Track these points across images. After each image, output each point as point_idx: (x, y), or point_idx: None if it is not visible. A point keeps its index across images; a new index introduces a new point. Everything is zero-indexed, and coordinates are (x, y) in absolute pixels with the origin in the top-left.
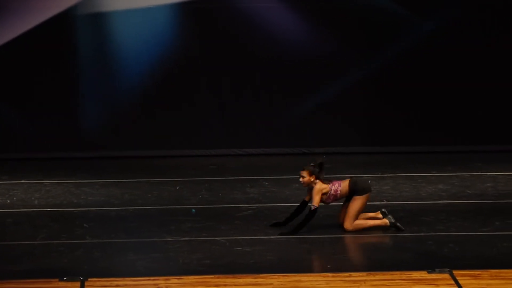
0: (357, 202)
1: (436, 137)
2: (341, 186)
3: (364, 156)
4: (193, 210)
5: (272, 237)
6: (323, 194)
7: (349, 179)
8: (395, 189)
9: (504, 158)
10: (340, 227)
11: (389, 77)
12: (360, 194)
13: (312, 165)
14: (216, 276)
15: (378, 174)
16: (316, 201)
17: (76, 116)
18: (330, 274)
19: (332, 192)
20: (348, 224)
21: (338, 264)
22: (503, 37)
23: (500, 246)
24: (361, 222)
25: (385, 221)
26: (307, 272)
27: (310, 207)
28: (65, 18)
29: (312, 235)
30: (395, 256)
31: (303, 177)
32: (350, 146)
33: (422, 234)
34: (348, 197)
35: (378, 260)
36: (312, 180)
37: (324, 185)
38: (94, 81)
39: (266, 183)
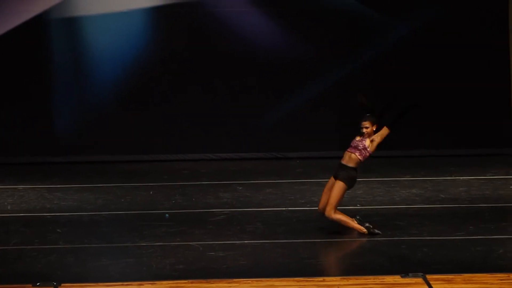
0: (338, 189)
1: (409, 142)
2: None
3: (337, 161)
4: (167, 215)
5: (245, 241)
6: (365, 149)
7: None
8: (369, 193)
9: (478, 163)
10: (319, 221)
11: (361, 81)
12: (342, 180)
13: (370, 115)
14: (190, 281)
15: None
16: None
17: (49, 121)
18: (303, 279)
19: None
20: (330, 211)
21: (312, 268)
22: (496, 38)
23: (473, 250)
24: (344, 219)
25: (363, 229)
26: (281, 277)
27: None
28: (39, 22)
29: (286, 240)
30: (368, 261)
31: (367, 127)
32: (323, 151)
33: (395, 238)
34: (335, 175)
35: (351, 265)
36: (374, 130)
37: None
38: (68, 86)
39: (240, 188)
